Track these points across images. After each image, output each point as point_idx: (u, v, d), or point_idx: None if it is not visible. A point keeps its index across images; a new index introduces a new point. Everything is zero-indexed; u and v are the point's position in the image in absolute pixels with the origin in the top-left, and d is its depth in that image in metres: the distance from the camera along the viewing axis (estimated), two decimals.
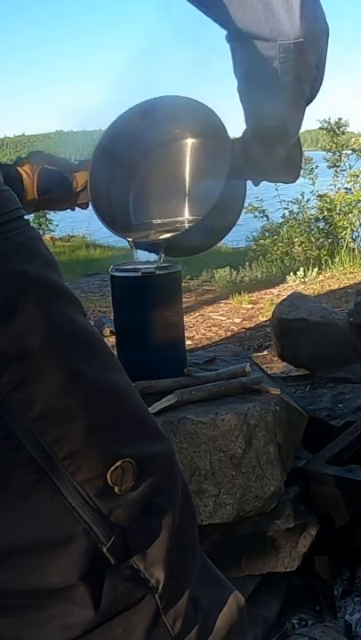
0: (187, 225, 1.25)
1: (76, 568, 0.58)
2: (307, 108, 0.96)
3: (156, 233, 1.27)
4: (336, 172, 6.49)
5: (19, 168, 1.19)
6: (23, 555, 0.57)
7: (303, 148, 1.11)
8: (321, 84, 0.93)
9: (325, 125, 6.46)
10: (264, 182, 1.14)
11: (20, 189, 1.18)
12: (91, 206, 1.25)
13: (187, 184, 1.28)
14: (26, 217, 0.62)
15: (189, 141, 1.27)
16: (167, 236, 1.23)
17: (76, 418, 0.58)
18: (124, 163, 1.29)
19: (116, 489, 0.59)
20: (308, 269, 4.88)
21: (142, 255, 1.28)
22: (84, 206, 1.29)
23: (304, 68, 0.87)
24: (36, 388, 0.56)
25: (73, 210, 1.32)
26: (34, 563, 0.57)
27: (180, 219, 1.28)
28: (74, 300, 0.62)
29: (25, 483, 0.56)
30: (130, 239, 1.25)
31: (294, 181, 1.14)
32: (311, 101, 0.95)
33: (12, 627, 0.60)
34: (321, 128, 6.58)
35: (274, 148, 1.02)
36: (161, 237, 1.24)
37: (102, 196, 1.26)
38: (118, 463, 0.59)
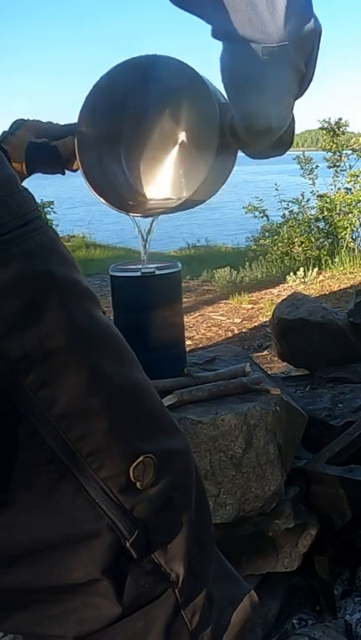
0: (180, 199, 1.22)
1: (100, 563, 0.58)
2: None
3: (149, 205, 1.25)
4: (336, 171, 6.51)
5: (5, 146, 1.15)
6: (47, 552, 0.58)
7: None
8: (311, 82, 0.89)
9: (325, 125, 6.48)
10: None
11: None
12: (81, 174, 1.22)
13: (175, 154, 1.24)
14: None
15: (174, 105, 1.19)
16: (157, 211, 1.20)
17: (98, 415, 0.58)
18: (108, 128, 1.21)
19: (138, 484, 0.60)
20: (308, 269, 4.88)
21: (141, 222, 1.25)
22: (73, 171, 1.27)
23: (291, 68, 0.84)
24: (60, 386, 0.56)
25: (63, 174, 1.29)
26: (58, 559, 0.58)
27: (170, 192, 1.24)
28: (93, 297, 0.63)
29: (49, 480, 0.56)
30: (124, 212, 1.22)
31: (281, 155, 1.13)
32: (299, 97, 0.92)
33: (28, 620, 0.61)
34: (321, 128, 6.59)
35: (261, 139, 1.00)
36: (154, 212, 1.21)
37: (93, 167, 1.22)
38: (140, 459, 0.60)
